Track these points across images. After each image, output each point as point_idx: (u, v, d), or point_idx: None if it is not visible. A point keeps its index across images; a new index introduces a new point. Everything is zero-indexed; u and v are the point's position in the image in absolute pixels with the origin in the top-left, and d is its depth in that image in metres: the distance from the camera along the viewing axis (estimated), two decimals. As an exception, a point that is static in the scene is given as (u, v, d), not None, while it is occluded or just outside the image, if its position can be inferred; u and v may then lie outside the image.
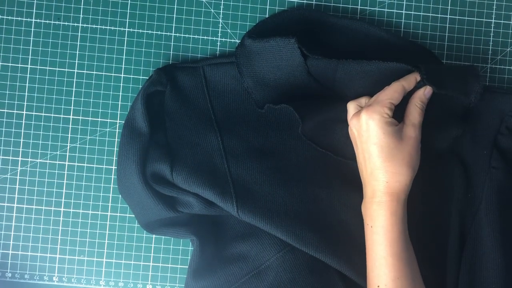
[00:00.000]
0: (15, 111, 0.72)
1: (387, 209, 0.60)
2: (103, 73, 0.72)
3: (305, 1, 0.73)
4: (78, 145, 0.72)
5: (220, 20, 0.73)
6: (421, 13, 0.73)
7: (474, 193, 0.66)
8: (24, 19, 0.72)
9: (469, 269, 0.63)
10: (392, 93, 0.62)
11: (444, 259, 0.65)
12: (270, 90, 0.69)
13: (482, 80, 0.67)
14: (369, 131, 0.61)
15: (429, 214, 0.67)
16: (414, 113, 0.63)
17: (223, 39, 0.73)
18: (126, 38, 0.72)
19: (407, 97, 0.63)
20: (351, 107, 0.65)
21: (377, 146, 0.60)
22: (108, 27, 0.72)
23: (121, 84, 0.73)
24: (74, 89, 0.72)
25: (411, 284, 0.60)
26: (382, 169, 0.60)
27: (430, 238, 0.67)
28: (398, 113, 0.63)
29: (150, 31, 0.72)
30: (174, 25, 0.73)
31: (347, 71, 0.65)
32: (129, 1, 0.72)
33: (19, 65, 0.72)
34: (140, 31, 0.72)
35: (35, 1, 0.72)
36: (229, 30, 0.73)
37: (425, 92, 0.63)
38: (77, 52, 0.72)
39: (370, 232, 0.62)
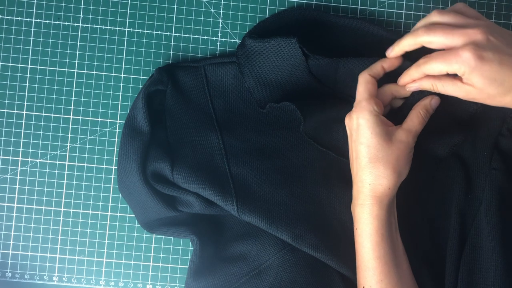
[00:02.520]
0: (15, 111, 0.72)
1: (370, 213, 0.60)
2: (103, 73, 0.72)
3: (305, 1, 0.73)
4: (78, 145, 0.72)
5: (220, 20, 0.73)
6: (421, 13, 0.73)
7: (474, 194, 0.66)
8: (24, 19, 0.72)
9: (468, 270, 0.63)
10: (369, 70, 0.62)
11: (443, 260, 0.65)
12: (271, 90, 0.69)
13: None
14: (358, 131, 0.60)
15: (429, 215, 0.67)
16: (415, 119, 0.61)
17: (223, 39, 0.73)
18: (126, 38, 0.72)
19: (412, 103, 0.63)
20: (362, 79, 0.63)
21: (364, 146, 0.60)
22: (108, 27, 0.72)
23: (121, 84, 0.72)
24: (74, 89, 0.72)
25: (396, 286, 0.60)
26: (367, 170, 0.60)
27: (429, 238, 0.66)
28: (401, 119, 0.62)
29: (150, 31, 0.72)
30: (174, 25, 0.73)
31: (348, 69, 0.65)
32: (129, 1, 0.72)
33: (19, 65, 0.72)
34: (140, 31, 0.72)
35: (35, 1, 0.72)
36: (229, 30, 0.73)
37: (432, 101, 0.62)
38: (77, 52, 0.72)
39: (356, 234, 0.62)
